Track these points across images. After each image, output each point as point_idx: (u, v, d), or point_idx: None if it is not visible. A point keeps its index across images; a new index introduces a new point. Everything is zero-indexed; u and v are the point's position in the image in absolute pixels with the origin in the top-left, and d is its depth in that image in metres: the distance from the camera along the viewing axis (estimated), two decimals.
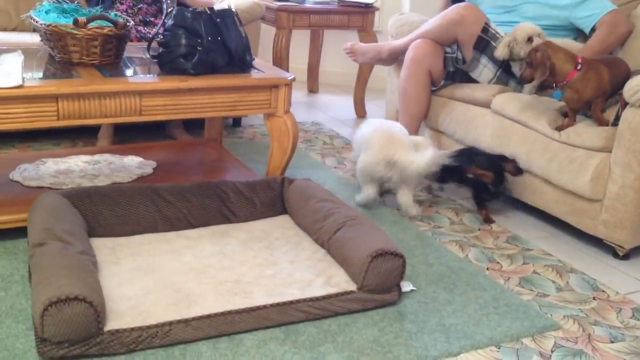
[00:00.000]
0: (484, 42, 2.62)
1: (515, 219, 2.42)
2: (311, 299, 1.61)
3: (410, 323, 1.65)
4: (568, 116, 2.25)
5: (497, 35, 2.60)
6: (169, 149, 2.66)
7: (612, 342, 1.64)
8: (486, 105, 2.59)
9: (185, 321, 1.47)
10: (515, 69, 2.59)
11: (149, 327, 1.43)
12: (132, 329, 1.41)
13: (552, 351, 1.58)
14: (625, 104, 2.03)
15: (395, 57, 2.96)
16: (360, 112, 3.79)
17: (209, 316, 1.49)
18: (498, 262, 2.03)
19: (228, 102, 2.12)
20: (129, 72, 2.13)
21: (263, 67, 2.29)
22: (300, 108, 3.75)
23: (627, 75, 2.19)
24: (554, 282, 1.93)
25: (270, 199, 2.11)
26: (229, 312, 1.51)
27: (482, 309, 1.73)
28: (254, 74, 2.19)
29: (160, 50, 2.11)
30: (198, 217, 1.98)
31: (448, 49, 2.76)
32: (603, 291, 1.89)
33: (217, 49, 2.09)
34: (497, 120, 2.52)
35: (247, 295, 1.61)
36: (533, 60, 2.19)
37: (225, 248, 1.86)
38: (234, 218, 2.04)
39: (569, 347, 1.60)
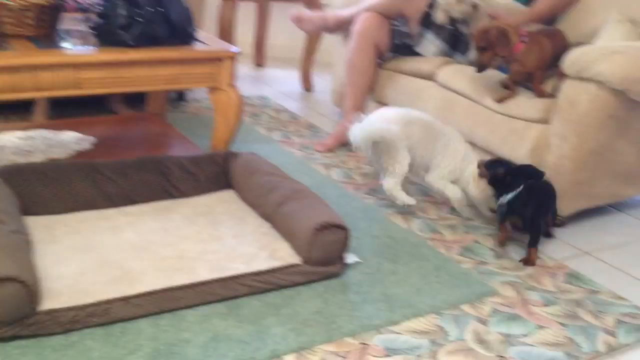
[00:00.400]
0: (430, 18, 2.64)
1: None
2: (255, 273, 1.61)
3: (354, 294, 1.67)
4: (509, 88, 2.29)
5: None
6: (109, 124, 2.60)
7: (546, 305, 1.70)
8: (431, 78, 2.62)
9: (126, 299, 1.44)
10: (464, 29, 2.62)
11: (86, 305, 1.40)
12: (69, 308, 1.38)
13: (489, 316, 1.63)
14: (563, 76, 2.08)
15: (341, 26, 2.94)
16: (307, 86, 3.78)
17: (150, 293, 1.47)
18: (440, 233, 2.07)
19: (170, 75, 2.08)
20: (65, 44, 2.05)
21: (207, 39, 2.25)
22: (246, 82, 3.71)
23: (566, 47, 2.24)
24: (493, 250, 1.98)
25: (215, 173, 2.09)
26: (171, 289, 1.50)
27: (424, 278, 1.77)
28: (197, 46, 2.15)
29: (99, 21, 2.04)
30: (139, 193, 1.95)
31: (395, 22, 2.76)
32: (539, 257, 1.95)
33: (158, 20, 2.04)
34: (442, 92, 2.55)
35: (190, 270, 1.59)
36: (491, 40, 2.18)
37: (168, 224, 1.84)
38: (177, 193, 2.01)
39: (506, 312, 1.65)
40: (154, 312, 1.48)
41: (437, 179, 2.21)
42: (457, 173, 2.19)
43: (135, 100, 2.93)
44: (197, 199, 2.02)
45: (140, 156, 2.05)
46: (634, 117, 2.08)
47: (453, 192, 2.20)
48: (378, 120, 2.15)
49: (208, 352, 1.38)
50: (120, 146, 2.35)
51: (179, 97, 3.27)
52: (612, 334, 1.59)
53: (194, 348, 1.38)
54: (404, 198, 2.15)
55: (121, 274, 1.55)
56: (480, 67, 2.27)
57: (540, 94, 2.23)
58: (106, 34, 2.01)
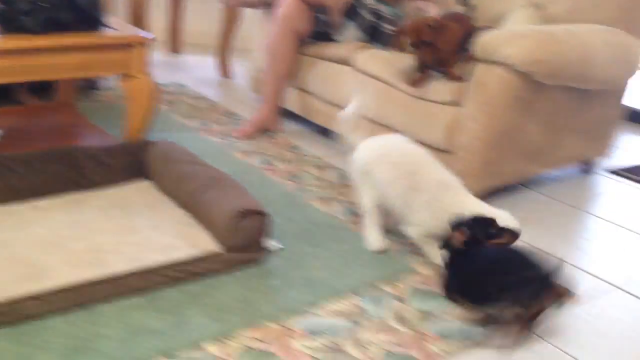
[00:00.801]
0: (353, 10, 2.66)
1: None
2: (174, 264, 1.59)
3: (276, 279, 1.67)
4: (422, 72, 2.35)
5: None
6: (16, 115, 2.48)
7: None
8: (348, 62, 2.64)
9: (37, 296, 1.39)
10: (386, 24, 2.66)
11: None
12: None
13: (408, 294, 1.67)
14: (473, 60, 2.15)
15: (264, 2, 2.92)
16: (225, 73, 3.73)
17: (62, 289, 1.42)
18: (360, 216, 2.10)
19: (78, 62, 2.00)
20: None
21: (117, 25, 2.18)
22: (162, 69, 3.62)
23: (473, 31, 2.31)
24: None
25: (129, 163, 2.04)
26: (85, 283, 1.45)
27: (345, 261, 1.79)
28: (106, 32, 2.08)
29: (0, 7, 1.93)
30: (49, 186, 1.87)
31: (318, 10, 2.77)
32: None
33: (63, 4, 1.96)
34: (359, 77, 2.57)
35: (104, 264, 1.55)
36: (430, 35, 2.20)
37: (80, 217, 1.78)
38: (90, 185, 1.95)
39: (424, 289, 1.70)
40: (68, 308, 1.43)
41: (415, 234, 1.83)
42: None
43: (43, 89, 2.80)
44: (111, 191, 1.96)
45: (49, 147, 1.97)
46: (539, 98, 2.18)
47: (433, 255, 1.81)
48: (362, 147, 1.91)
49: (127, 345, 1.34)
50: (28, 138, 2.24)
51: (90, 85, 3.15)
52: None
53: (111, 342, 1.35)
54: (371, 239, 1.88)
55: (31, 270, 1.49)
56: (422, 67, 2.31)
57: (453, 78, 2.30)
58: (8, 20, 1.91)
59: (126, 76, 2.13)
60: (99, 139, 2.28)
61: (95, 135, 2.32)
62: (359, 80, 2.55)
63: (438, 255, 1.72)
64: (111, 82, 3.25)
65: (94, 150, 1.98)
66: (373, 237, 1.87)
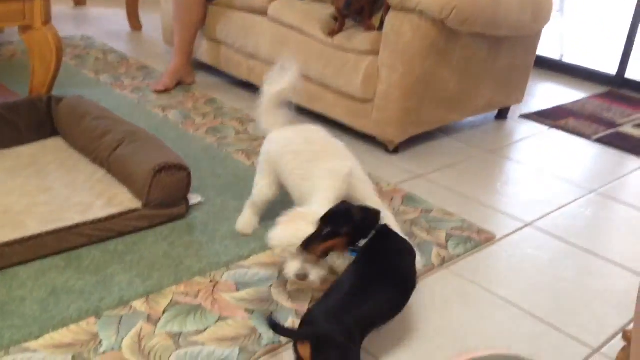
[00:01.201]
0: None
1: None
2: (92, 222, 1.52)
3: (201, 234, 1.64)
4: (338, 22, 2.33)
5: None
6: None
7: None
8: (264, 13, 2.58)
9: None
10: None
11: None
12: None
13: None
14: (388, 9, 2.15)
15: None
16: (135, 25, 3.57)
17: None
18: None
19: None
20: None
21: None
22: (66, 22, 3.42)
23: None
24: None
25: (37, 120, 1.92)
26: None
27: (269, 212, 1.76)
28: None
29: None
30: None
31: None
32: (377, 183, 2.05)
33: None
34: (275, 27, 2.53)
35: (17, 225, 1.47)
36: None
37: None
38: None
39: None
40: None
41: None
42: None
43: None
44: (19, 150, 1.85)
45: None
46: (454, 47, 2.22)
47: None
48: None
49: (48, 307, 1.29)
50: None
51: None
52: (444, 247, 1.72)
53: (31, 304, 1.29)
54: (241, 221, 1.70)
55: None
56: (339, 17, 2.30)
57: (369, 28, 2.29)
58: None
59: (26, 28, 1.99)
60: (1, 96, 2.13)
61: None
62: (274, 31, 2.51)
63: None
64: (10, 35, 3.04)
65: None
66: (244, 220, 1.69)
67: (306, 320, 1.15)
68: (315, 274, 1.36)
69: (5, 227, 1.45)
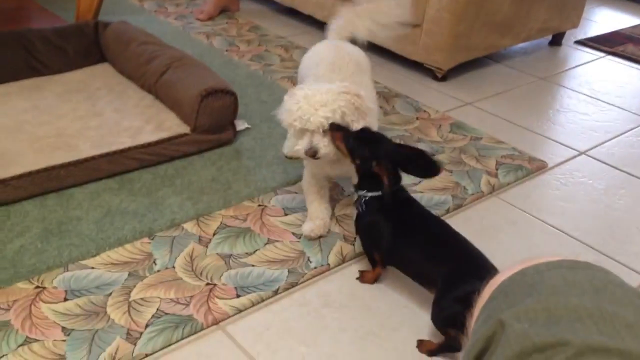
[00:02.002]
0: None
1: None
2: (143, 146, 1.54)
3: (248, 159, 1.65)
4: None
5: None
6: None
7: (434, 155, 1.76)
8: None
9: (3, 181, 1.34)
10: None
11: None
12: None
13: None
14: None
15: None
16: None
17: (30, 173, 1.37)
18: None
19: None
20: None
21: None
22: None
23: None
24: (381, 107, 2.01)
25: (85, 46, 1.93)
26: (53, 167, 1.40)
27: None
28: None
29: None
30: (2, 72, 1.77)
31: None
32: (425, 111, 2.01)
33: None
34: None
35: (71, 148, 1.50)
36: None
37: (40, 102, 1.70)
38: (46, 70, 1.85)
39: None
40: (38, 193, 1.39)
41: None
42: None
43: None
44: (69, 75, 1.87)
45: None
46: None
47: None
48: None
49: (103, 227, 1.33)
50: None
51: None
52: (493, 175, 1.69)
53: (87, 224, 1.33)
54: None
55: None
56: None
57: None
58: None
59: None
60: (49, 21, 2.14)
61: (45, 19, 2.18)
62: None
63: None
64: None
65: (46, 32, 1.86)
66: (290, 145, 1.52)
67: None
68: (325, 148, 1.26)
69: (60, 150, 1.48)
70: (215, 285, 1.22)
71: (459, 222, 1.49)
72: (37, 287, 1.17)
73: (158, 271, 1.24)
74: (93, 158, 1.46)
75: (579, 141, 1.92)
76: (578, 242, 1.46)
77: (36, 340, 1.06)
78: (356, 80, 1.46)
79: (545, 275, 0.58)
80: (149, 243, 1.31)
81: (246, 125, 1.79)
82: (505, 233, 1.47)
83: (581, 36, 2.82)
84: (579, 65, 2.52)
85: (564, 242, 1.46)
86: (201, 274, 1.24)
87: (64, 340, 1.06)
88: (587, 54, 2.66)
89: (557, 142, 1.91)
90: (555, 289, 0.56)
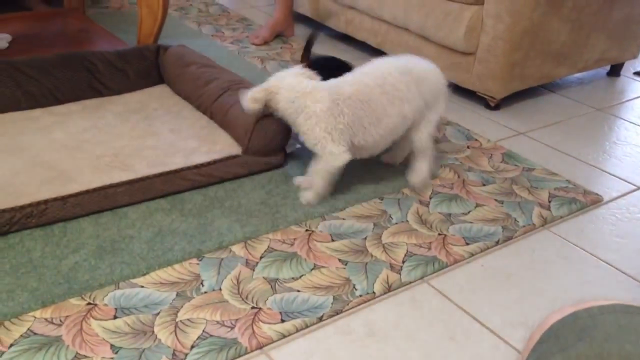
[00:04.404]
0: None
1: None
2: (196, 166, 1.58)
3: None
4: None
5: None
6: (24, 20, 2.40)
7: (484, 185, 1.75)
8: None
9: (62, 198, 1.39)
10: None
11: (22, 207, 1.34)
12: (3, 211, 1.32)
13: (430, 197, 1.66)
14: None
15: None
16: None
17: (87, 192, 1.42)
18: None
19: None
20: None
21: None
22: None
23: None
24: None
25: (145, 68, 1.99)
26: (109, 186, 1.45)
27: (367, 166, 1.77)
28: None
29: None
30: (65, 92, 1.84)
31: None
32: (476, 140, 1.99)
33: None
34: None
35: (127, 167, 1.54)
36: None
37: (99, 122, 1.76)
38: (106, 91, 1.92)
39: (446, 193, 1.69)
40: (94, 210, 1.43)
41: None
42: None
43: None
44: (128, 96, 1.93)
45: (62, 52, 1.92)
46: None
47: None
48: None
49: (154, 246, 1.36)
50: (39, 44, 2.19)
51: None
52: (546, 207, 1.66)
53: (138, 243, 1.36)
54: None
55: (55, 174, 1.49)
56: None
57: None
58: None
59: None
60: (111, 44, 2.22)
61: (107, 41, 2.26)
62: None
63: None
64: None
65: (108, 55, 1.93)
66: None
67: None
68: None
69: (116, 169, 1.53)
70: (260, 309, 1.23)
71: (509, 254, 1.47)
72: (89, 303, 1.20)
73: (205, 292, 1.25)
74: (147, 178, 1.50)
75: (637, 175, 1.87)
76: (632, 280, 1.41)
77: (85, 357, 1.08)
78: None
79: (598, 320, 0.57)
80: (197, 264, 1.33)
81: (297, 146, 1.80)
82: (556, 268, 1.44)
83: None
84: (637, 97, 2.46)
85: (618, 280, 1.41)
86: (247, 297, 1.25)
87: (112, 358, 1.08)
88: None
89: (613, 175, 1.86)
90: (609, 335, 0.54)
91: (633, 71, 2.70)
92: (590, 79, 2.59)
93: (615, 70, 2.65)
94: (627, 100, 2.42)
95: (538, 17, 2.06)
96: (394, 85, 1.55)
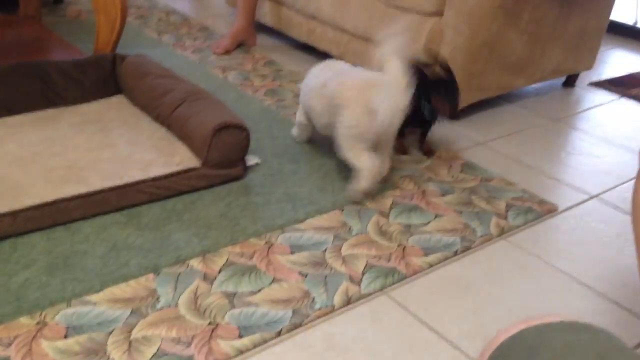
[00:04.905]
0: None
1: None
2: (153, 179, 1.55)
3: (257, 195, 1.65)
4: None
5: None
6: None
7: (443, 195, 1.76)
8: None
9: (13, 213, 1.35)
10: None
11: None
12: None
13: (391, 208, 1.67)
14: None
15: None
16: None
17: (39, 206, 1.38)
18: None
19: None
20: None
21: None
22: None
23: None
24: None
25: (102, 78, 1.96)
26: (62, 200, 1.41)
27: (326, 177, 1.77)
28: None
29: None
30: (18, 103, 1.80)
31: None
32: (436, 149, 2.00)
33: None
34: None
35: (81, 180, 1.51)
36: None
37: (54, 133, 1.72)
38: (61, 101, 1.87)
39: (406, 204, 1.70)
40: (46, 225, 1.40)
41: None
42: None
43: (6, 2, 2.65)
44: (84, 107, 1.90)
45: (16, 62, 1.87)
46: (523, 7, 2.12)
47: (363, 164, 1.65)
48: None
49: (108, 261, 1.33)
50: None
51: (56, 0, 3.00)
52: (503, 217, 1.68)
53: (92, 259, 1.33)
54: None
55: (6, 187, 1.44)
56: None
57: None
58: None
59: None
60: (67, 53, 2.17)
61: (63, 50, 2.22)
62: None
63: (368, 161, 1.63)
64: None
65: (64, 64, 1.89)
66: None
67: None
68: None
69: (69, 182, 1.49)
70: (218, 324, 1.21)
71: (467, 265, 1.48)
72: (39, 322, 1.17)
73: (161, 309, 1.23)
74: (102, 191, 1.47)
75: (591, 185, 1.91)
76: (588, 289, 1.44)
77: None
78: None
79: (545, 338, 0.57)
80: (154, 279, 1.31)
81: (257, 161, 1.79)
82: (513, 277, 1.45)
83: (596, 78, 2.82)
84: (592, 108, 2.52)
85: (573, 288, 1.43)
86: (204, 312, 1.23)
87: None
88: (601, 96, 2.65)
89: (568, 185, 1.90)
90: (556, 353, 0.55)
91: (588, 82, 2.76)
92: (546, 90, 2.64)
93: (570, 81, 2.71)
94: (582, 111, 2.48)
95: (496, 29, 2.09)
96: None
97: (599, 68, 2.95)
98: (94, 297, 1.24)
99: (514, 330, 0.60)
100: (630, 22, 3.64)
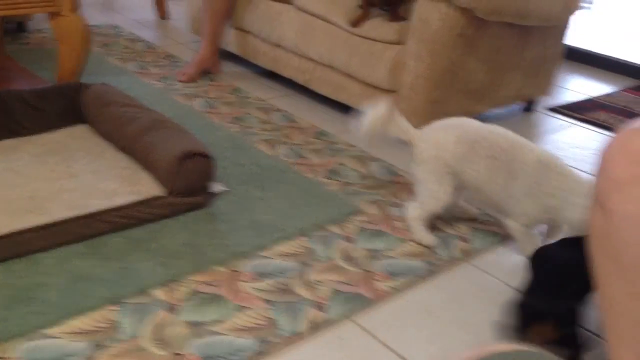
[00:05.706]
0: None
1: (320, 114, 2.48)
2: (116, 208, 1.54)
3: (222, 223, 1.65)
4: (362, 11, 2.30)
5: None
6: None
7: None
8: (289, 1, 2.57)
9: None
10: None
11: None
12: None
13: (355, 234, 1.68)
14: None
15: None
16: (162, 13, 3.59)
17: None
18: (306, 157, 2.09)
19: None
20: None
21: None
22: (95, 10, 3.45)
23: None
24: (357, 171, 2.03)
25: (65, 107, 1.94)
26: (23, 231, 1.39)
27: (291, 203, 1.78)
28: None
29: None
30: None
31: None
32: (400, 175, 2.03)
33: None
34: (300, 16, 2.51)
35: (43, 211, 1.49)
36: None
37: (15, 164, 1.69)
38: (24, 131, 1.86)
39: (371, 229, 1.71)
40: (6, 257, 1.37)
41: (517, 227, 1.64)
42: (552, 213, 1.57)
43: None
44: (46, 136, 1.88)
45: None
46: (482, 35, 2.18)
47: (528, 249, 1.58)
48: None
49: (70, 294, 1.31)
50: None
51: (18, 27, 2.98)
52: (466, 240, 1.70)
53: (53, 291, 1.31)
54: (422, 236, 1.68)
55: None
56: (365, 6, 2.27)
57: (397, 18, 2.26)
58: None
59: (55, 15, 2.01)
60: (29, 82, 2.16)
61: (25, 79, 2.20)
62: (300, 20, 2.49)
63: (535, 245, 1.53)
64: (40, 23, 3.08)
65: (25, 94, 1.88)
66: (425, 233, 1.68)
67: None
68: None
69: (31, 213, 1.47)
70: (182, 355, 1.19)
71: (432, 289, 1.49)
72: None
73: (123, 340, 1.21)
74: (64, 222, 1.45)
75: None
76: None
77: None
78: None
79: None
80: (116, 311, 1.29)
81: (223, 188, 1.79)
82: (477, 301, 1.47)
83: (554, 103, 2.90)
84: (550, 132, 2.58)
85: None
86: (168, 343, 1.22)
87: None
88: (559, 120, 2.72)
89: None
90: None
91: (547, 107, 2.84)
92: (507, 115, 2.70)
93: (530, 106, 2.78)
94: (541, 135, 2.54)
95: (457, 57, 2.14)
96: None
97: (558, 93, 3.04)
98: (54, 330, 1.21)
99: (469, 359, 0.61)
100: (586, 48, 3.76)
